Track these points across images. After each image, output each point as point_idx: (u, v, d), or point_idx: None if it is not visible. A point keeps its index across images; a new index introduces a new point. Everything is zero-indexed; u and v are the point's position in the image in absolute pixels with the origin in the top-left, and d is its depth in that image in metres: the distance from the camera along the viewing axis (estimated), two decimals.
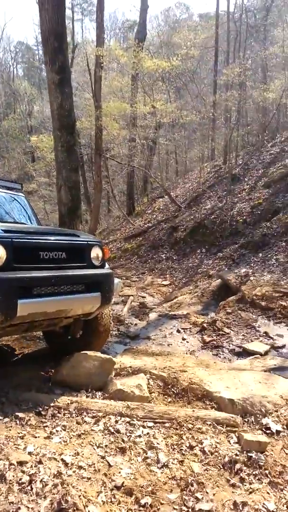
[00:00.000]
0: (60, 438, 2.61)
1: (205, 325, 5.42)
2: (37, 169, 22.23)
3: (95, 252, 3.59)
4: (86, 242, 3.56)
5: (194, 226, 11.26)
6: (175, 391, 3.31)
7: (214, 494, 2.18)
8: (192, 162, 19.94)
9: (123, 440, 2.65)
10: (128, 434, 2.72)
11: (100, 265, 3.64)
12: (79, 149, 12.49)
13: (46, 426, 2.75)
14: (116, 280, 3.78)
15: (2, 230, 2.97)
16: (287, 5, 19.76)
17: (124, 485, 2.24)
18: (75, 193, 7.46)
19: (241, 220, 9.99)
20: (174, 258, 10.85)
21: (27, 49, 40.53)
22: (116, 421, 2.85)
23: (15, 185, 4.70)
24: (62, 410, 2.96)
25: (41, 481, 2.03)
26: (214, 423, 2.86)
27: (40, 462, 2.17)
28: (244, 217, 10.02)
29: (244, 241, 9.06)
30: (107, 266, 3.80)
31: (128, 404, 3.00)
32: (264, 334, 5.15)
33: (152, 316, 6.15)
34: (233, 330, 5.28)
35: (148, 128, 16.66)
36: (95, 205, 15.63)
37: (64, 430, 2.71)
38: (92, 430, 2.75)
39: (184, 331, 5.47)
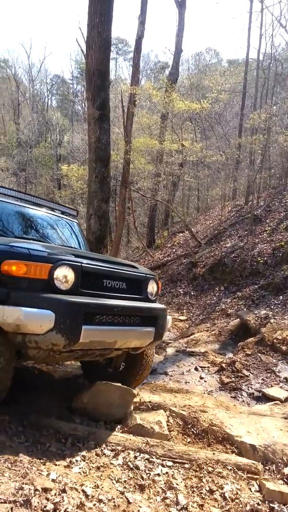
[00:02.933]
0: (80, 468, 2.59)
1: (223, 365, 5.34)
2: (63, 196, 22.84)
3: (151, 286, 3.57)
4: (144, 275, 3.55)
5: (214, 263, 11.26)
6: (195, 431, 3.26)
7: None
8: (213, 200, 20.19)
9: (142, 477, 2.61)
10: (147, 472, 2.68)
11: (154, 299, 3.61)
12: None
13: (66, 454, 2.73)
14: (168, 317, 3.69)
15: (73, 254, 3.02)
16: None
17: None
18: (104, 222, 7.69)
19: (261, 261, 9.96)
20: (192, 293, 10.81)
21: (63, 82, 42.54)
22: (135, 457, 2.82)
23: (70, 211, 4.78)
24: (81, 439, 2.95)
25: (65, 510, 2.01)
26: (235, 468, 2.80)
27: (64, 490, 2.16)
28: (265, 258, 9.99)
29: (265, 282, 9.00)
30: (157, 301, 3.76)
31: (147, 441, 2.96)
32: (284, 380, 5.03)
33: (170, 351, 6.11)
34: (252, 373, 5.19)
35: (173, 165, 17.09)
36: (117, 235, 15.85)
37: (84, 460, 2.70)
38: (111, 463, 2.72)
39: (202, 369, 5.39)
